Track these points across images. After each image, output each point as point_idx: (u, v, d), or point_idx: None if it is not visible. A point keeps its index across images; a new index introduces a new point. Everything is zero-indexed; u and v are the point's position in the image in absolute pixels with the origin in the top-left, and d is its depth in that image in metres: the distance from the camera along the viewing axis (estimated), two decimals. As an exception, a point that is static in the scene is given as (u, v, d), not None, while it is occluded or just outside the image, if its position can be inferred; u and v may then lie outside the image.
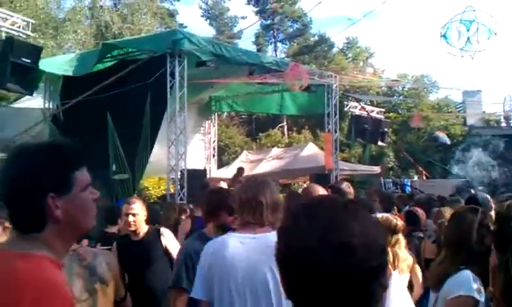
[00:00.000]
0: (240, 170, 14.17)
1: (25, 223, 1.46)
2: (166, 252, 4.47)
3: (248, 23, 57.72)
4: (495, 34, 9.67)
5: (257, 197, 2.83)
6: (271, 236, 2.76)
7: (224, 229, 3.19)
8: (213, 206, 3.50)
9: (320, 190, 3.88)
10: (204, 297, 2.72)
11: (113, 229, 5.60)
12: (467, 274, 2.70)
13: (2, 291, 1.33)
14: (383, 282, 1.10)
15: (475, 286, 2.64)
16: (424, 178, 22.52)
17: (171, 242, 4.54)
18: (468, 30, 9.62)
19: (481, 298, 2.63)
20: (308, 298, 1.08)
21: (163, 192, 15.16)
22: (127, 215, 4.50)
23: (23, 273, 1.36)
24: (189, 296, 2.77)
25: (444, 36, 9.78)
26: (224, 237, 2.86)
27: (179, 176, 10.11)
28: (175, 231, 7.45)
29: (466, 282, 2.65)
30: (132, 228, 4.51)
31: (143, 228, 4.56)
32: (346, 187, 4.94)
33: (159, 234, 4.52)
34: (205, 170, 14.23)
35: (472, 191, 13.57)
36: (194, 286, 2.79)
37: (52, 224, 1.46)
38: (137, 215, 4.50)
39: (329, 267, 1.04)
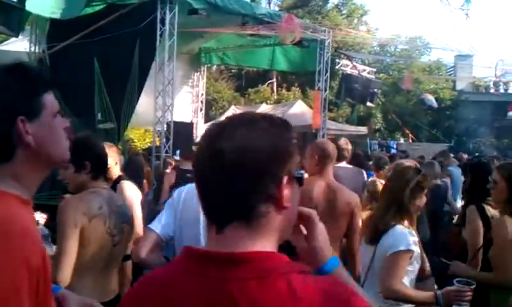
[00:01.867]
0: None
1: None
2: None
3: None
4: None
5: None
6: None
7: None
8: None
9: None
10: (160, 232, 2.78)
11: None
12: (401, 228, 2.92)
13: None
14: (268, 195, 1.07)
15: (411, 239, 2.89)
16: (410, 141, 22.63)
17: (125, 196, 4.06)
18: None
19: (416, 249, 2.91)
20: (203, 201, 1.13)
21: (148, 144, 15.00)
22: None
23: None
24: (147, 227, 2.87)
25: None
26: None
27: (165, 128, 9.97)
28: (161, 184, 7.36)
29: (404, 237, 2.88)
30: None
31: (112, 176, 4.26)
32: (344, 143, 5.26)
33: (115, 186, 4.14)
34: (192, 123, 14.06)
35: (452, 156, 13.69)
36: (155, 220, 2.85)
37: (22, 151, 1.34)
38: None
39: (204, 169, 1.10)
